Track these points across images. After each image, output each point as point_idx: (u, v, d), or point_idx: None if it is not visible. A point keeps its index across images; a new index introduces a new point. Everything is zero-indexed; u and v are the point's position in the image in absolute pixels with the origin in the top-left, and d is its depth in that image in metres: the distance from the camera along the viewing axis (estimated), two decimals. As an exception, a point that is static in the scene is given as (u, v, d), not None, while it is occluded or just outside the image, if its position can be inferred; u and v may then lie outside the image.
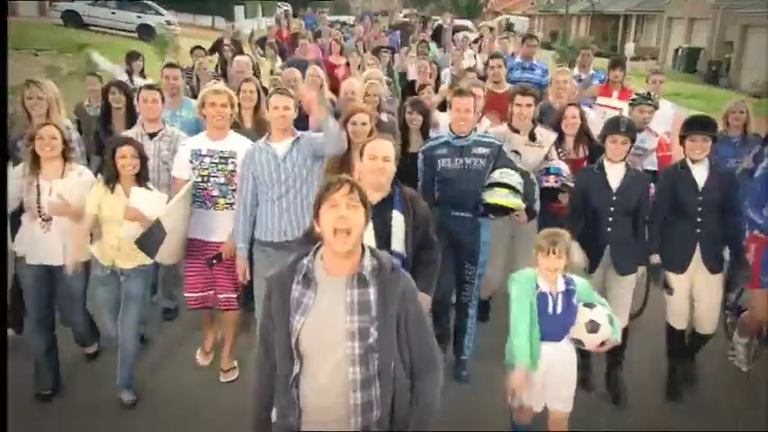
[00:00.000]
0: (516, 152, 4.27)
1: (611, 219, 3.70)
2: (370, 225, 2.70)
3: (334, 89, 7.02)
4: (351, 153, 3.76)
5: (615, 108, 6.23)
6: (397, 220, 2.97)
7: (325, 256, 2.12)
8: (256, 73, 6.93)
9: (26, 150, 3.69)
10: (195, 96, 6.21)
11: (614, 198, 3.68)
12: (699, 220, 3.72)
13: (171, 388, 3.88)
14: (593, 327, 2.91)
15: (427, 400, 2.17)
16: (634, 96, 4.96)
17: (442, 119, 4.84)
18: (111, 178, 3.62)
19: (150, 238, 3.49)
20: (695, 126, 3.74)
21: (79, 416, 3.63)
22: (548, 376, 2.99)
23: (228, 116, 3.83)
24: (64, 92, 4.56)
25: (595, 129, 4.60)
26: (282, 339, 2.09)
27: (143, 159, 3.66)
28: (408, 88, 6.50)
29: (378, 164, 2.94)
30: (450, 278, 3.86)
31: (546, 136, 4.31)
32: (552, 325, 2.96)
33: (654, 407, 3.83)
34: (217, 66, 7.72)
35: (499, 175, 3.78)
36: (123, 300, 3.67)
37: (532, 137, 4.30)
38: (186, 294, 3.91)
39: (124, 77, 6.49)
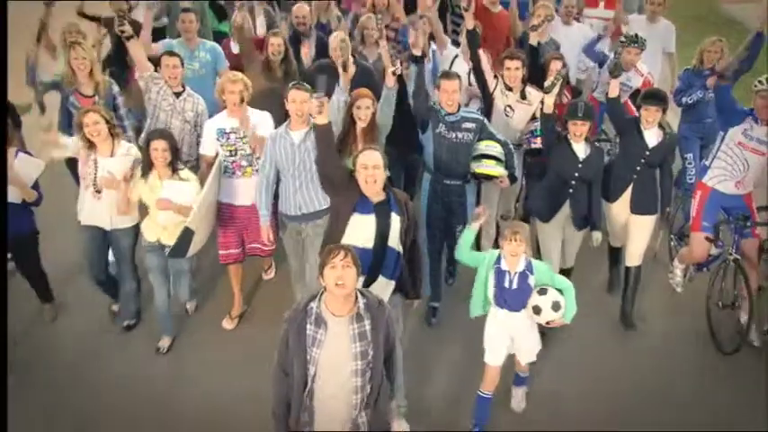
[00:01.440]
0: (510, 107, 4.81)
1: (573, 183, 4.40)
2: (373, 226, 3.50)
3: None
4: (353, 134, 4.27)
5: (603, 18, 6.48)
6: (395, 220, 3.57)
7: (329, 302, 2.89)
8: None
9: (81, 134, 4.22)
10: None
11: (580, 166, 4.36)
12: (638, 168, 4.50)
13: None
14: (536, 310, 3.72)
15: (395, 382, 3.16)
16: (623, 38, 5.29)
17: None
18: (146, 168, 4.18)
19: (181, 246, 4.14)
20: (650, 99, 4.38)
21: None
22: (514, 338, 3.89)
23: (247, 96, 4.33)
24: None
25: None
26: (300, 366, 2.88)
27: (174, 149, 4.16)
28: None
29: (369, 172, 3.48)
30: (442, 237, 4.59)
31: (534, 95, 4.78)
32: (510, 297, 3.76)
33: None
34: None
35: (485, 147, 4.38)
36: (173, 275, 4.41)
37: (523, 95, 4.79)
38: (221, 252, 4.60)
39: None
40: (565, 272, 4.57)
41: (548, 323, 3.77)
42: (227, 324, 4.85)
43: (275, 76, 5.06)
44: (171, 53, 4.73)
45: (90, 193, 4.32)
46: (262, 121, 4.43)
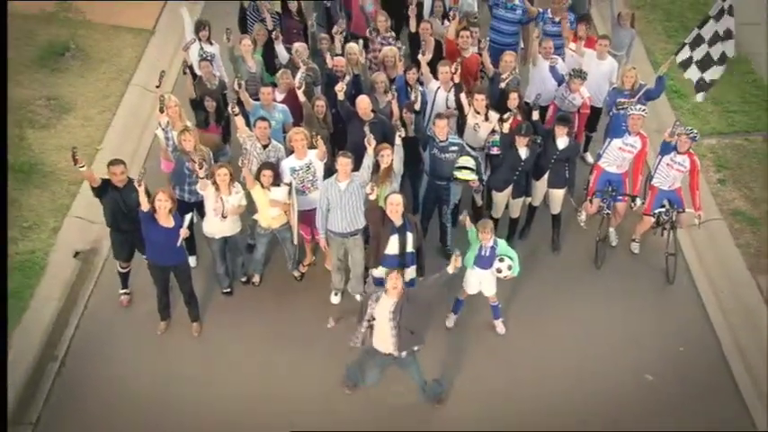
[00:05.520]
0: (478, 124, 7.40)
1: (517, 173, 7.20)
2: (397, 241, 6.17)
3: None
4: (377, 172, 6.59)
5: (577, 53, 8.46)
6: (410, 237, 6.15)
7: (388, 293, 5.54)
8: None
9: (212, 181, 6.52)
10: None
11: (522, 164, 7.11)
12: (552, 163, 7.30)
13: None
14: (498, 270, 6.59)
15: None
16: (572, 71, 7.70)
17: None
18: (260, 183, 6.70)
19: (293, 250, 7.02)
20: (560, 121, 7.13)
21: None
22: (481, 283, 6.80)
23: (307, 144, 6.75)
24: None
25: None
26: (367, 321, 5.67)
27: (276, 173, 6.70)
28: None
29: (394, 207, 5.97)
30: (430, 217, 7.45)
31: (493, 116, 7.34)
32: (483, 261, 6.64)
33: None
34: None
35: (464, 161, 6.99)
36: (281, 242, 7.12)
37: (486, 117, 7.35)
38: (303, 234, 7.29)
39: (196, 46, 7.98)
40: (513, 221, 7.67)
41: (504, 277, 6.65)
42: (302, 269, 7.55)
43: (315, 124, 7.29)
44: (263, 118, 6.93)
45: (218, 219, 6.67)
46: (317, 162, 6.82)
